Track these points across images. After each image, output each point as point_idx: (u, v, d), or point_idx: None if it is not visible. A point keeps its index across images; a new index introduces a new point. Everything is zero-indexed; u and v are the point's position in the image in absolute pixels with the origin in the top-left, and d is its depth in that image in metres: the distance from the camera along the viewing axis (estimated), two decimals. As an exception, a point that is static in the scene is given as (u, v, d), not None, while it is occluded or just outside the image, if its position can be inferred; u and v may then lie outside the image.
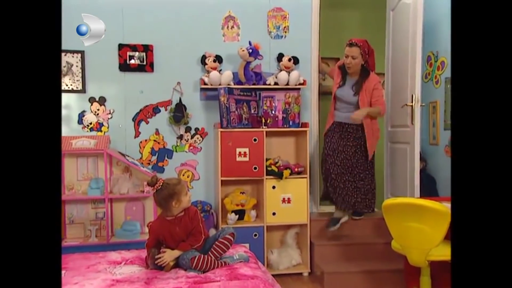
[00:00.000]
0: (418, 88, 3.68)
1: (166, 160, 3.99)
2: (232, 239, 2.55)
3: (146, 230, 3.17)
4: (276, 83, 3.92)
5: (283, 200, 3.79)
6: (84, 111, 3.85)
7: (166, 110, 3.96)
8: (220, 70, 3.89)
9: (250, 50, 3.77)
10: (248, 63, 3.85)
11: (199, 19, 3.99)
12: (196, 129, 4.03)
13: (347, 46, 3.68)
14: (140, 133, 3.94)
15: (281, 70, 3.95)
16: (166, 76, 3.94)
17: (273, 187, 3.78)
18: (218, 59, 3.90)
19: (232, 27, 4.05)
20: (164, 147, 3.98)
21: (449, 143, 4.21)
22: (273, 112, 3.93)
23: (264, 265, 3.44)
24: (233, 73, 3.87)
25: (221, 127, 3.68)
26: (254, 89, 3.91)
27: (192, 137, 4.03)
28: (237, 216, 3.76)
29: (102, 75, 3.87)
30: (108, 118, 3.89)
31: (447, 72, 4.25)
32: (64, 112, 3.76)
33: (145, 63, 3.88)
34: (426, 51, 4.41)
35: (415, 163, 3.70)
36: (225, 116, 3.66)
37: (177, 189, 2.44)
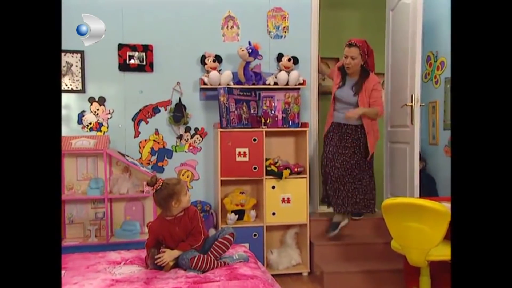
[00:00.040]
0: (417, 88, 3.68)
1: (166, 160, 3.99)
2: (231, 239, 2.55)
3: (146, 230, 3.17)
4: (275, 83, 3.92)
5: (283, 200, 3.79)
6: (83, 111, 3.85)
7: (165, 110, 3.96)
8: (220, 70, 3.89)
9: (250, 50, 3.77)
10: (248, 63, 3.85)
11: (199, 19, 3.99)
12: (196, 129, 4.03)
13: (347, 47, 3.68)
14: (139, 133, 3.94)
15: (280, 70, 3.96)
16: (165, 76, 3.94)
17: (273, 187, 3.78)
18: (218, 59, 3.91)
19: (232, 27, 4.05)
20: (163, 147, 3.98)
21: (449, 143, 4.21)
22: (272, 112, 3.93)
23: (263, 265, 3.44)
24: (232, 73, 3.87)
25: (221, 127, 3.68)
26: (254, 89, 3.91)
27: (191, 137, 4.03)
28: (237, 216, 3.76)
29: (101, 75, 3.87)
30: (108, 118, 3.89)
31: (446, 72, 4.26)
32: (63, 112, 3.76)
33: (144, 63, 3.88)
34: (425, 51, 4.41)
35: (414, 163, 3.70)
36: (225, 116, 3.67)
37: (177, 189, 2.44)
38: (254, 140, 3.71)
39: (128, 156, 3.77)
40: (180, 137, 4.00)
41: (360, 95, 3.68)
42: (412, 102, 3.71)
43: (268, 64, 4.06)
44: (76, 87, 3.81)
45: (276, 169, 3.77)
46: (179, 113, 3.92)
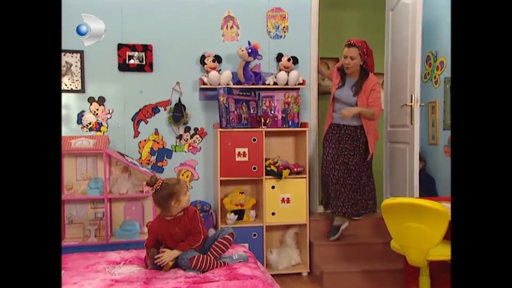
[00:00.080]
0: (417, 88, 3.68)
1: (166, 160, 3.99)
2: (231, 239, 2.55)
3: (145, 230, 3.17)
4: (275, 83, 3.92)
5: (283, 200, 3.79)
6: (83, 111, 3.85)
7: (165, 110, 3.96)
8: (220, 70, 3.89)
9: (250, 50, 3.77)
10: (248, 63, 3.85)
11: (199, 19, 3.99)
12: (196, 129, 4.03)
13: (346, 47, 3.69)
14: (139, 133, 3.94)
15: (280, 70, 3.96)
16: (165, 76, 3.94)
17: (273, 187, 3.78)
18: (218, 59, 3.91)
19: (232, 27, 4.05)
20: (163, 147, 3.98)
21: (448, 143, 4.21)
22: (272, 112, 3.93)
23: (263, 265, 3.44)
24: (232, 73, 3.87)
25: (221, 127, 3.68)
26: (254, 89, 3.92)
27: (191, 137, 4.02)
28: (237, 216, 3.76)
29: (101, 75, 3.86)
30: (107, 118, 3.89)
31: (446, 72, 4.26)
32: (63, 112, 3.76)
33: (144, 63, 3.88)
34: (425, 51, 4.41)
35: (414, 163, 3.70)
36: (225, 116, 3.67)
37: (176, 189, 2.44)
38: (254, 140, 3.71)
39: (127, 156, 3.76)
40: (179, 137, 3.99)
41: (360, 95, 3.69)
42: (411, 102, 3.71)
43: (267, 64, 4.06)
44: (76, 87, 3.81)
45: (275, 169, 3.77)
46: (178, 113, 3.92)
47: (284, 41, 4.12)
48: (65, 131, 3.72)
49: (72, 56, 3.77)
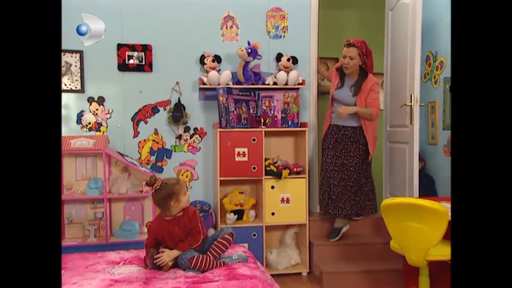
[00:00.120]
0: (417, 88, 3.68)
1: (165, 160, 3.99)
2: (231, 239, 2.55)
3: (145, 230, 3.17)
4: (275, 83, 3.92)
5: (282, 200, 3.79)
6: (82, 111, 3.85)
7: (165, 110, 3.96)
8: (219, 70, 3.89)
9: (249, 50, 3.77)
10: (247, 63, 3.85)
11: (198, 19, 3.99)
12: (195, 129, 4.03)
13: (345, 47, 3.69)
14: (139, 133, 3.94)
15: (280, 70, 3.96)
16: (165, 76, 3.94)
17: (272, 187, 3.78)
18: (217, 59, 3.91)
19: (231, 27, 4.05)
20: (163, 147, 3.98)
21: (448, 143, 4.21)
22: (272, 112, 3.93)
23: (263, 265, 3.44)
24: (232, 73, 3.87)
25: (220, 127, 3.68)
26: (253, 89, 3.91)
27: (191, 137, 4.02)
28: (236, 216, 3.76)
29: (101, 75, 3.86)
30: (107, 118, 3.88)
31: (446, 72, 4.26)
32: (62, 112, 3.76)
33: (144, 63, 3.88)
34: (425, 51, 4.41)
35: (414, 163, 3.70)
36: (224, 116, 3.66)
37: (176, 189, 2.44)
38: (253, 140, 3.71)
39: (127, 156, 3.76)
40: (179, 137, 3.99)
41: (359, 96, 3.68)
42: (411, 102, 3.71)
43: (267, 64, 4.06)
44: (75, 87, 3.80)
45: (275, 169, 3.76)
46: (178, 113, 3.92)
47: (284, 41, 4.12)
48: (64, 131, 3.72)
49: (71, 56, 3.77)
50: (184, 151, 4.02)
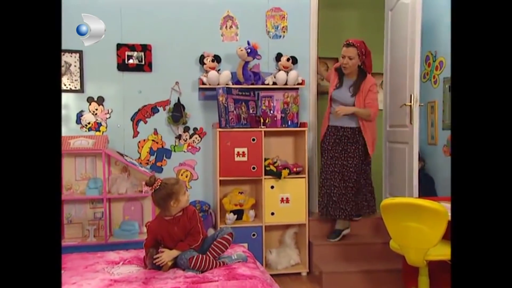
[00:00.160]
0: (416, 88, 3.68)
1: (165, 160, 3.99)
2: (230, 239, 2.55)
3: (145, 230, 3.17)
4: (274, 83, 3.92)
5: (282, 200, 3.79)
6: (82, 111, 3.85)
7: (164, 110, 3.96)
8: (219, 70, 3.88)
9: (249, 50, 3.77)
10: (247, 63, 3.85)
11: (198, 19, 3.99)
12: (195, 129, 4.03)
13: (344, 47, 3.68)
14: (138, 133, 3.94)
15: (279, 70, 3.96)
16: (164, 76, 3.94)
17: (272, 187, 3.78)
18: (217, 58, 3.91)
19: (231, 27, 4.05)
20: (162, 147, 3.98)
21: (448, 143, 4.21)
22: (271, 112, 3.93)
23: (262, 265, 3.44)
24: (231, 73, 3.87)
25: (220, 127, 3.67)
26: (253, 89, 3.92)
27: (190, 137, 4.02)
28: (236, 216, 3.76)
29: (100, 75, 3.86)
30: (107, 118, 3.88)
31: (445, 72, 4.26)
32: (62, 112, 3.75)
33: (143, 63, 3.88)
34: (424, 51, 4.41)
35: (413, 163, 3.70)
36: (224, 116, 3.66)
37: (175, 189, 2.44)
38: (253, 140, 3.71)
39: (126, 156, 3.76)
40: (179, 137, 3.99)
41: (357, 96, 3.68)
42: (411, 102, 3.71)
43: (267, 64, 4.06)
44: (75, 87, 3.80)
45: (275, 169, 3.76)
46: (178, 113, 3.92)
47: (283, 41, 4.12)
48: (64, 131, 3.72)
49: (71, 56, 3.76)
50: (184, 151, 4.02)
